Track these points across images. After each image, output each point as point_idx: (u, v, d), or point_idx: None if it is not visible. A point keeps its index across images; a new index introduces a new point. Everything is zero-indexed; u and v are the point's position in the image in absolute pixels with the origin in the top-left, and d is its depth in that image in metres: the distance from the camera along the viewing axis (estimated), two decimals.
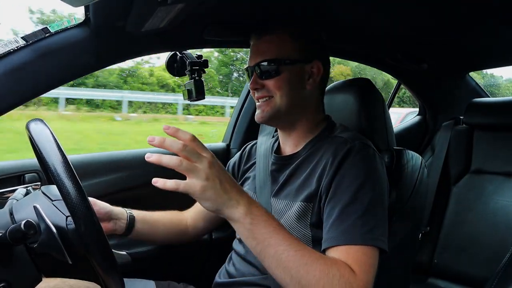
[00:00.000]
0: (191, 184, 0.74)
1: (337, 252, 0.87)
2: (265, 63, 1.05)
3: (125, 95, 7.22)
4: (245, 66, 1.13)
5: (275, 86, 1.05)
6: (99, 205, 1.10)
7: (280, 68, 1.04)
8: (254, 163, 1.21)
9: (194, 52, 1.30)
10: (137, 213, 1.18)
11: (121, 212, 1.15)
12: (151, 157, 0.73)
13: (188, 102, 1.32)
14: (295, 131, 1.11)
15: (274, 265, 0.81)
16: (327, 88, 1.17)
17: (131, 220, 1.16)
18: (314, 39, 1.11)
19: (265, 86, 1.06)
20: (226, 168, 1.31)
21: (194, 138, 0.76)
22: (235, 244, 1.18)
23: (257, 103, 1.09)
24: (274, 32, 1.06)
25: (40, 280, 0.78)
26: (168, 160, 0.73)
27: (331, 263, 0.82)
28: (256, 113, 1.09)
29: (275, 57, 1.04)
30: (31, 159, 1.31)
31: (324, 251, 0.90)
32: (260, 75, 1.06)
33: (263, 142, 1.23)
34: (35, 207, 0.75)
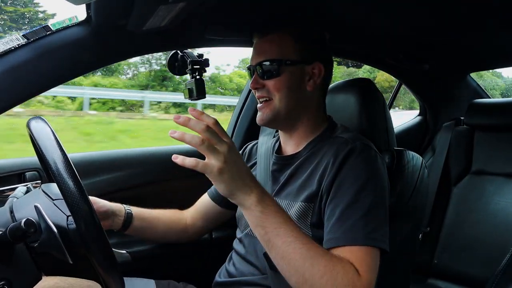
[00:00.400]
0: (210, 164, 0.76)
1: (339, 253, 0.87)
2: (267, 63, 1.05)
3: (147, 96, 7.39)
4: (247, 65, 1.13)
5: (274, 87, 1.05)
6: (98, 203, 1.10)
7: (281, 68, 1.04)
8: (255, 163, 1.21)
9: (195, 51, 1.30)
10: (135, 210, 1.19)
11: (119, 208, 1.15)
12: (175, 133, 0.75)
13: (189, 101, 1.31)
14: (296, 132, 1.11)
15: (280, 255, 0.82)
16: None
17: (129, 216, 1.16)
18: (315, 40, 1.10)
19: (265, 86, 1.06)
20: None
21: (217, 122, 0.78)
22: (235, 244, 1.18)
23: (258, 105, 1.09)
24: (276, 31, 1.06)
25: (40, 279, 0.78)
26: (191, 138, 0.75)
27: (336, 260, 0.83)
28: (258, 115, 1.09)
29: (277, 57, 1.04)
30: (31, 157, 1.31)
31: None
32: (261, 75, 1.06)
33: (264, 142, 1.23)
34: (36, 207, 0.75)
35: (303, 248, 0.81)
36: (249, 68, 1.12)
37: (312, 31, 1.10)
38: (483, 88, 2.32)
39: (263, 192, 0.83)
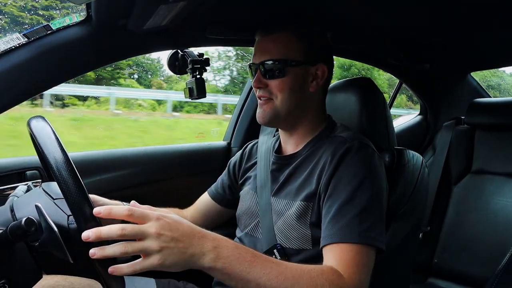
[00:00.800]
0: (149, 261, 0.71)
1: (333, 250, 0.87)
2: (271, 62, 1.03)
3: (170, 96, 7.54)
4: (248, 63, 1.12)
5: (278, 87, 1.04)
6: (98, 202, 1.10)
7: (285, 69, 1.03)
8: (255, 162, 1.21)
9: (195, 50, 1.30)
10: None
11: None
12: (95, 255, 0.68)
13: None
14: (296, 132, 1.11)
15: None
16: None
17: None
18: (320, 41, 1.10)
19: (268, 86, 1.05)
20: (227, 168, 1.31)
21: (130, 212, 0.71)
22: None
23: (259, 101, 1.09)
24: (281, 31, 1.04)
25: (41, 278, 0.78)
26: (112, 254, 0.69)
27: (317, 274, 0.81)
28: (257, 112, 1.09)
29: (281, 57, 1.03)
30: (32, 156, 1.31)
31: (321, 249, 0.91)
32: (264, 74, 1.05)
33: (264, 142, 1.23)
34: (36, 206, 0.75)
35: (279, 279, 0.78)
36: (250, 66, 1.10)
37: (316, 32, 1.09)
38: (483, 87, 2.32)
39: (215, 246, 0.75)
